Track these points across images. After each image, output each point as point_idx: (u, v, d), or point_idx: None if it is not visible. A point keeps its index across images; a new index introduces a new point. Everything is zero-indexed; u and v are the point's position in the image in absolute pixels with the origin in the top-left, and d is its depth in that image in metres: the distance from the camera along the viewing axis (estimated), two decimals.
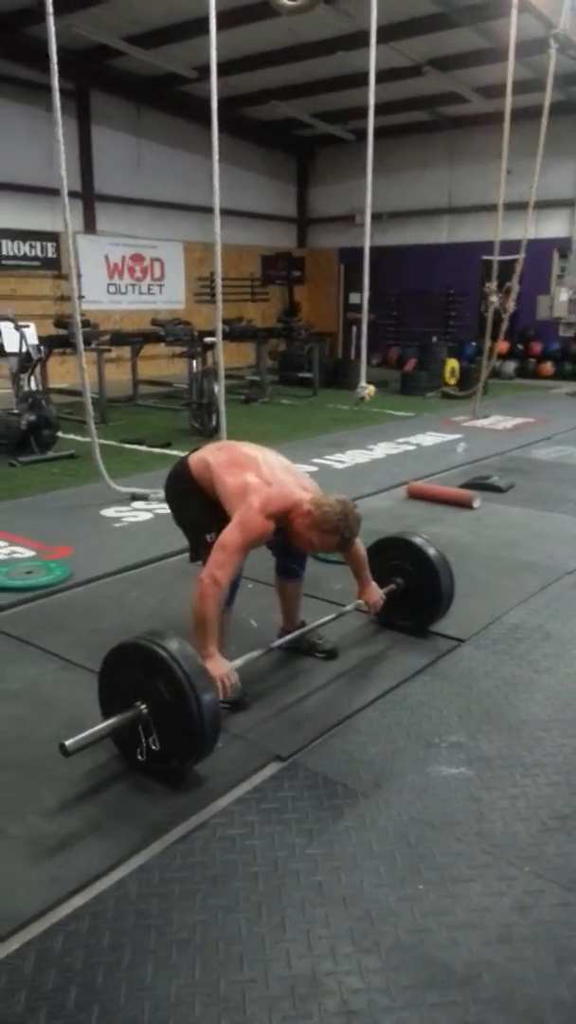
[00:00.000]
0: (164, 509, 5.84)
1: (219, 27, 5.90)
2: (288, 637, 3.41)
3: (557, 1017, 1.83)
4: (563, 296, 14.59)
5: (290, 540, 3.13)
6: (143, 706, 2.56)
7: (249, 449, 3.27)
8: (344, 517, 2.97)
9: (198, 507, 3.23)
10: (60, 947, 1.99)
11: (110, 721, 2.57)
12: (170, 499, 3.44)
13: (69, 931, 2.04)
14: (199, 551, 3.21)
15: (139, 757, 2.61)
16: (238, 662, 3.01)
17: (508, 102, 8.60)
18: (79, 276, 12.38)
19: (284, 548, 3.35)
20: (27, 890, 2.17)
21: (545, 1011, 1.84)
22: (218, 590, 2.88)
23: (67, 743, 2.42)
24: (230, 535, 2.91)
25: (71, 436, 8.20)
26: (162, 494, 6.00)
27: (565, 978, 1.93)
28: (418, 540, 3.73)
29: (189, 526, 3.31)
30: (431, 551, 3.67)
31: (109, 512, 5.81)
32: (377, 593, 3.52)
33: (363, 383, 7.08)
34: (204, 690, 2.52)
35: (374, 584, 3.53)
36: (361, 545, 3.40)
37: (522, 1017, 1.83)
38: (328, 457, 7.75)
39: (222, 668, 2.88)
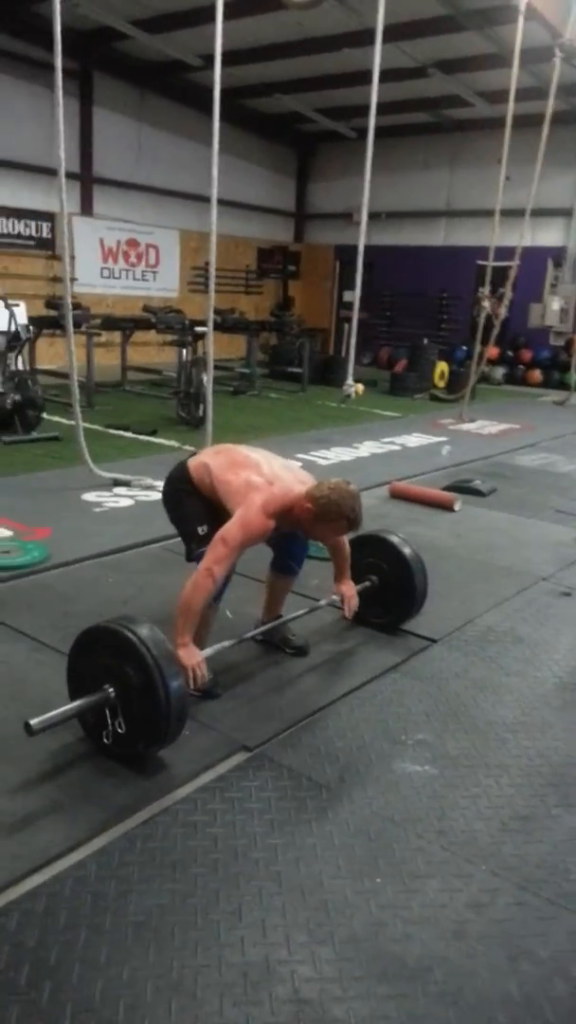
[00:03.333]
0: (146, 496, 5.90)
1: (226, 17, 5.87)
2: (261, 628, 3.42)
3: (505, 1012, 1.85)
4: (555, 305, 14.64)
5: (304, 534, 3.20)
6: (111, 689, 2.57)
7: (247, 450, 3.30)
8: (341, 502, 2.98)
9: (194, 505, 3.23)
10: (15, 925, 1.99)
11: (77, 703, 2.57)
12: (167, 500, 3.41)
13: (25, 909, 2.04)
14: (192, 548, 3.19)
15: (105, 740, 2.62)
16: (208, 651, 3.02)
17: (510, 108, 8.62)
18: (72, 258, 12.33)
19: (284, 545, 3.38)
20: None
21: (494, 1006, 1.86)
22: (211, 583, 2.90)
23: (32, 722, 2.42)
24: (231, 530, 2.92)
25: (56, 418, 8.16)
26: (145, 480, 6.09)
27: (516, 975, 1.95)
28: (394, 539, 3.75)
29: (183, 522, 3.30)
30: (406, 550, 3.69)
31: (90, 496, 5.79)
32: (352, 589, 3.54)
33: (350, 380, 7.09)
34: (172, 676, 2.53)
35: (351, 581, 3.56)
36: (346, 540, 3.44)
37: (470, 1012, 1.85)
38: (313, 453, 7.76)
39: (194, 658, 2.89)
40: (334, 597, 3.57)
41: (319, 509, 2.99)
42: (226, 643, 3.13)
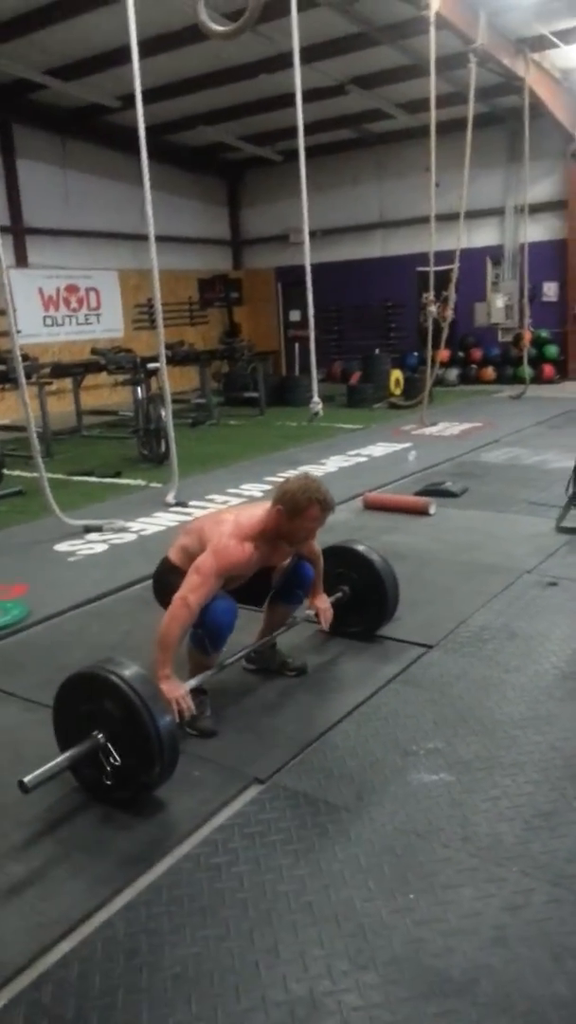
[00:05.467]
0: (119, 539, 5.84)
1: (142, 55, 5.92)
2: (246, 649, 3.38)
3: (558, 1014, 1.82)
4: (499, 303, 14.88)
5: (289, 544, 3.16)
6: (99, 734, 2.54)
7: (212, 511, 3.32)
8: (305, 488, 3.00)
9: (179, 579, 3.10)
10: (49, 998, 1.92)
11: (68, 753, 2.53)
12: (158, 591, 3.30)
13: (57, 979, 1.97)
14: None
15: (107, 782, 2.56)
16: (192, 682, 2.98)
17: (432, 117, 8.79)
18: (15, 310, 12.24)
19: (290, 575, 3.37)
20: (11, 939, 2.10)
21: (546, 1009, 1.83)
22: (187, 612, 2.87)
23: (26, 779, 2.37)
24: (204, 559, 2.93)
25: (17, 472, 8.06)
26: (116, 523, 6.03)
27: (562, 975, 1.92)
28: (361, 548, 3.82)
29: (171, 595, 3.16)
30: (374, 557, 3.75)
31: (63, 546, 5.72)
32: (327, 602, 3.55)
33: (316, 398, 7.12)
34: (160, 713, 2.51)
35: (324, 595, 3.57)
36: (319, 554, 3.46)
37: (523, 1018, 1.81)
38: (281, 475, 7.66)
39: (176, 689, 2.85)
40: (309, 612, 3.57)
41: (288, 504, 2.99)
42: (208, 672, 3.09)
